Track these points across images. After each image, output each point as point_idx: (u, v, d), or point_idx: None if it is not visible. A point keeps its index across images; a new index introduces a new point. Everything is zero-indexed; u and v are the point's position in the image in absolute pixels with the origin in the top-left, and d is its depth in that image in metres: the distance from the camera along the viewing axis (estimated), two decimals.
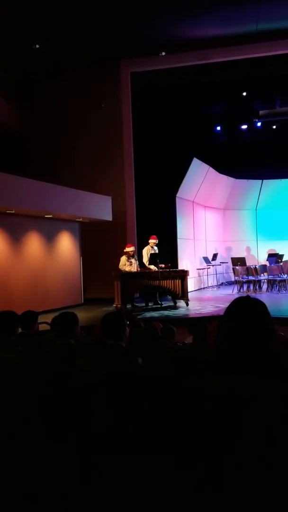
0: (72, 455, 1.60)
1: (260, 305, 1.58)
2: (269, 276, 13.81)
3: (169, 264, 11.35)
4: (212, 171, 14.67)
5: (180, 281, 11.09)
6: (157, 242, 11.61)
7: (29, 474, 1.64)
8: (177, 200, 13.30)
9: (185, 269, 11.53)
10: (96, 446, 1.57)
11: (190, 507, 1.38)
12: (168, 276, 11.01)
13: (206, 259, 14.77)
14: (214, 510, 1.35)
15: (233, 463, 1.35)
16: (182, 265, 12.82)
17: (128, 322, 3.19)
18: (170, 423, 1.46)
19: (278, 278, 13.63)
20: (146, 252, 11.54)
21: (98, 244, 13.26)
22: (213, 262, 14.98)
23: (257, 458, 1.34)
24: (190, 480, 1.38)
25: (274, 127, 15.23)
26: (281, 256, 14.62)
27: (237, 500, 1.33)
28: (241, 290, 13.61)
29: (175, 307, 11.19)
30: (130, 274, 11.05)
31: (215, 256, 15.04)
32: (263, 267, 14.25)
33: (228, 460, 1.36)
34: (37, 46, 11.76)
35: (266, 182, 16.07)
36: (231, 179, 15.93)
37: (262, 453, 1.34)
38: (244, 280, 13.71)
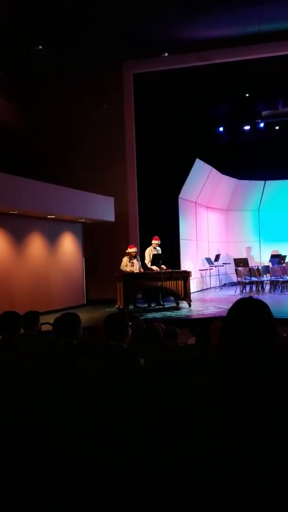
0: (72, 456, 1.60)
1: (263, 306, 1.58)
2: (272, 277, 13.78)
3: (170, 269, 11.28)
4: (214, 171, 14.65)
5: (182, 282, 11.07)
6: (159, 243, 11.60)
7: (30, 474, 1.63)
8: (180, 201, 13.29)
9: (188, 270, 11.51)
10: (97, 447, 1.57)
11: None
12: (171, 277, 10.99)
13: (208, 260, 14.75)
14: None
15: (234, 465, 1.35)
16: (185, 266, 12.80)
17: (130, 323, 3.18)
18: (171, 424, 1.45)
19: (280, 279, 13.61)
20: (148, 253, 11.52)
21: (100, 245, 13.26)
22: (215, 263, 14.96)
23: (259, 459, 1.34)
24: (188, 486, 1.38)
25: (277, 127, 15.22)
26: (284, 257, 14.60)
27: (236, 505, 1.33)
28: (244, 291, 13.58)
29: (177, 308, 11.18)
30: (132, 275, 11.04)
31: (217, 257, 15.02)
32: (266, 268, 14.23)
33: (229, 461, 1.35)
34: (40, 47, 11.78)
35: (269, 183, 16.04)
36: (233, 180, 15.90)
37: (263, 454, 1.34)
38: (246, 281, 13.69)
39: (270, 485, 1.32)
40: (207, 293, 14.26)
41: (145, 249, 11.81)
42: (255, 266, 14.24)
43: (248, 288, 13.73)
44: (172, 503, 1.43)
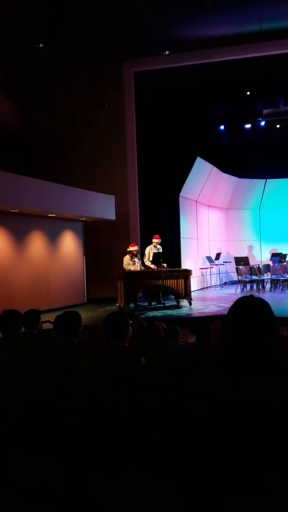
0: (72, 456, 1.60)
1: (264, 304, 1.57)
2: (273, 276, 13.78)
3: (171, 267, 11.25)
4: (215, 170, 14.64)
5: (183, 280, 11.07)
6: (160, 241, 11.60)
7: (30, 474, 1.63)
8: (181, 199, 13.28)
9: (188, 269, 11.51)
10: (97, 447, 1.57)
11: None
12: (171, 276, 10.98)
13: (209, 258, 14.75)
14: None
15: (234, 465, 1.34)
16: (185, 264, 12.79)
17: (131, 322, 3.17)
18: (170, 425, 1.45)
19: (281, 278, 13.60)
20: (148, 252, 11.53)
21: (101, 244, 13.27)
22: (216, 262, 14.95)
23: (259, 459, 1.33)
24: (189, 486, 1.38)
25: (278, 126, 15.20)
26: (285, 255, 14.59)
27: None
28: (244, 290, 13.58)
29: (178, 307, 11.18)
30: (133, 273, 11.03)
31: (218, 255, 15.02)
32: (267, 267, 14.22)
33: (229, 461, 1.35)
34: (40, 45, 11.76)
35: (270, 181, 16.03)
36: (234, 179, 15.89)
37: (264, 454, 1.34)
38: (247, 280, 13.69)
39: (271, 485, 1.32)
40: (208, 292, 14.26)
41: (146, 247, 11.82)
42: (255, 265, 14.24)
43: (248, 286, 13.73)
44: (173, 503, 1.43)
